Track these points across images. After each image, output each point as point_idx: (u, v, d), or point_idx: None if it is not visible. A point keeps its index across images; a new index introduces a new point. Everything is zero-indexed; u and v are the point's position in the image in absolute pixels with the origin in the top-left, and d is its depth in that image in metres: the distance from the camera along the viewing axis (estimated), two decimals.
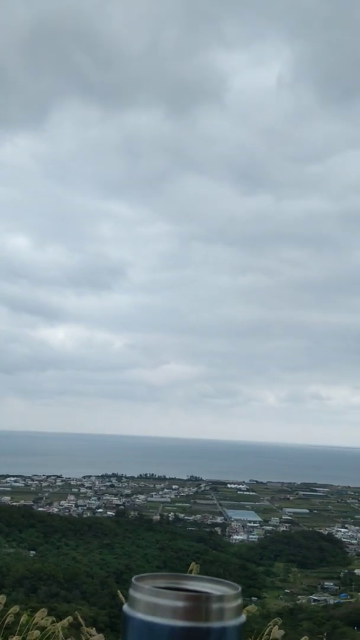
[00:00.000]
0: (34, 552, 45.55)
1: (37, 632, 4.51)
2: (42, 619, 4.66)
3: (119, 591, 5.33)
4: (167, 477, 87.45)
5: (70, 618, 4.63)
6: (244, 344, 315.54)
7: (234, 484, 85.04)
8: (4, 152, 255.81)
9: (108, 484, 78.32)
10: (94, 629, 4.68)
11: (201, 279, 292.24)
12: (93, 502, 66.77)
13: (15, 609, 4.86)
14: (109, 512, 61.58)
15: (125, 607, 0.78)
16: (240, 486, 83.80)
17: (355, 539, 58.60)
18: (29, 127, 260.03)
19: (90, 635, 4.43)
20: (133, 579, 0.79)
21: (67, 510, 61.76)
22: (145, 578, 0.80)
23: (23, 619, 4.67)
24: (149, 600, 0.76)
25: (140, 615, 0.76)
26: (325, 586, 46.12)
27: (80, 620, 4.53)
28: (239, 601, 0.78)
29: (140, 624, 0.76)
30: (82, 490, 72.97)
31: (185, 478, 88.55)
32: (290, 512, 69.88)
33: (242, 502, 74.38)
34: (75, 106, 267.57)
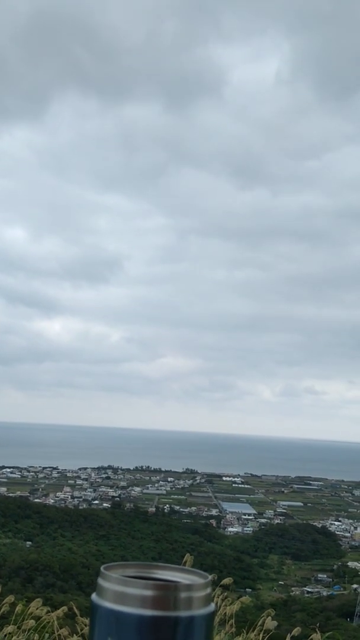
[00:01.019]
0: (30, 542, 45.75)
1: (32, 622, 4.55)
2: (37, 608, 4.69)
3: None
4: (163, 469, 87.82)
5: (65, 608, 4.67)
6: (240, 338, 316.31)
7: (229, 476, 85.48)
8: (1, 144, 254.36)
9: (104, 475, 78.61)
10: (89, 619, 4.71)
11: (197, 272, 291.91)
12: (89, 493, 67.02)
13: (10, 598, 4.89)
14: (104, 504, 61.84)
15: (93, 596, 0.77)
16: (235, 479, 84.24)
17: (349, 532, 59.10)
18: (27, 118, 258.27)
19: (86, 625, 4.47)
20: (102, 568, 0.78)
21: (63, 502, 61.98)
22: (114, 567, 0.79)
23: (18, 608, 4.70)
24: (117, 589, 0.75)
25: (108, 604, 0.75)
26: (319, 578, 46.55)
27: (76, 610, 4.56)
28: (208, 590, 0.77)
29: (108, 613, 0.75)
30: (78, 481, 73.23)
31: (180, 471, 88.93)
32: (284, 505, 70.34)
33: (237, 495, 74.83)
34: (73, 98, 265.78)
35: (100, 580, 0.77)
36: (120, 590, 0.75)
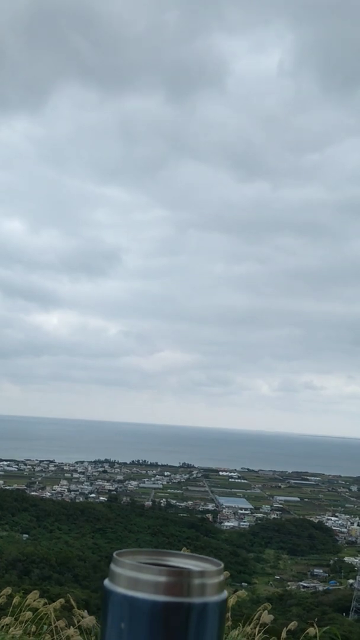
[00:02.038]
0: (26, 535, 45.87)
1: (29, 614, 4.55)
2: (34, 600, 4.69)
3: None
4: (160, 463, 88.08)
5: (62, 600, 4.66)
6: (238, 332, 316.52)
7: (226, 471, 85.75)
8: (1, 135, 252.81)
9: (101, 469, 78.81)
10: (85, 611, 4.71)
11: (196, 266, 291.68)
12: (86, 487, 67.18)
13: (7, 590, 4.88)
14: (101, 498, 62.02)
15: (106, 581, 0.77)
16: (232, 474, 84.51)
17: (345, 528, 59.36)
18: (26, 109, 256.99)
19: (82, 617, 4.47)
20: (114, 554, 0.78)
21: (59, 495, 62.12)
22: (126, 553, 0.80)
23: (15, 600, 4.70)
24: (130, 575, 0.76)
25: (121, 589, 0.76)
26: (315, 573, 46.80)
27: (73, 602, 4.56)
28: (221, 577, 0.77)
29: (121, 599, 0.75)
30: (75, 475, 73.39)
31: (177, 465, 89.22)
32: (281, 500, 70.62)
33: (233, 490, 75.10)
34: (74, 89, 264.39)
35: (112, 566, 0.78)
36: (133, 576, 0.76)
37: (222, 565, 0.80)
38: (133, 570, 0.76)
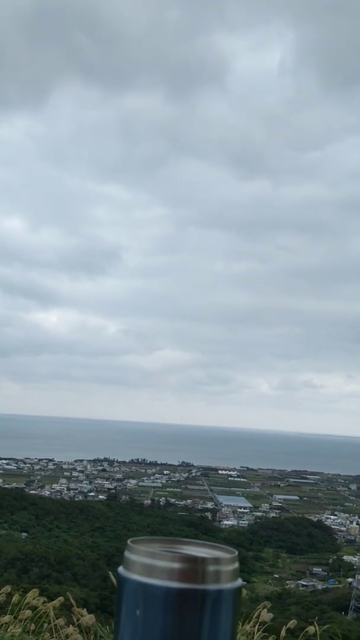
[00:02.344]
0: (25, 534, 45.90)
1: (28, 612, 4.54)
2: (33, 599, 4.69)
3: (110, 573, 5.37)
4: (159, 462, 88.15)
5: (61, 598, 4.66)
6: (238, 331, 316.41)
7: (225, 470, 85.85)
8: (1, 133, 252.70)
9: (100, 468, 78.86)
10: (85, 609, 4.71)
11: (196, 264, 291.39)
12: (85, 485, 67.24)
13: (7, 588, 4.88)
14: (100, 496, 62.07)
15: (120, 569, 0.78)
16: (231, 472, 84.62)
17: (345, 526, 59.43)
18: (28, 107, 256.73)
19: (82, 615, 4.46)
20: (129, 541, 0.79)
21: (59, 494, 62.17)
22: (140, 541, 0.80)
23: (15, 598, 4.70)
24: (145, 562, 0.76)
25: (135, 576, 0.76)
26: (314, 572, 46.87)
27: (72, 601, 4.55)
28: (236, 565, 0.78)
29: (136, 585, 0.75)
30: (74, 474, 73.44)
31: (176, 464, 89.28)
32: (280, 499, 70.70)
33: (232, 488, 75.18)
34: (75, 87, 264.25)
35: (127, 554, 0.78)
36: (148, 563, 0.76)
37: (236, 553, 0.80)
38: (148, 558, 0.76)
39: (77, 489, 65.15)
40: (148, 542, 0.81)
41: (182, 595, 0.74)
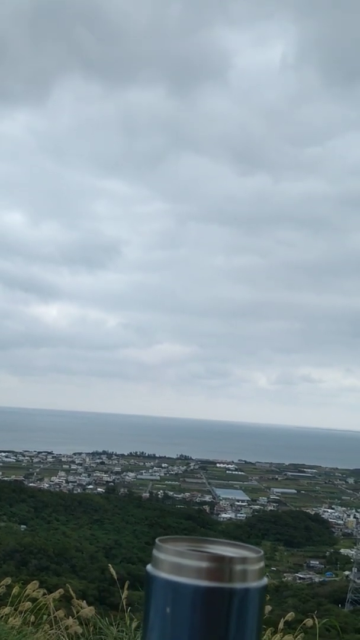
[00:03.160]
0: (24, 526, 46.11)
1: (28, 604, 4.58)
2: (33, 590, 4.72)
3: (109, 565, 5.42)
4: (157, 455, 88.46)
5: (61, 590, 4.70)
6: (237, 325, 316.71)
7: (223, 463, 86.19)
8: (2, 127, 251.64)
9: (98, 461, 79.13)
10: (84, 601, 4.75)
11: (196, 258, 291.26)
12: (83, 478, 67.50)
13: (7, 580, 4.92)
14: (99, 489, 62.32)
15: (148, 567, 0.80)
16: (229, 466, 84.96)
17: (342, 520, 59.79)
18: (29, 102, 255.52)
19: (81, 607, 4.50)
20: (157, 540, 0.80)
21: (57, 486, 62.41)
22: (167, 540, 0.82)
23: (15, 590, 4.73)
24: (173, 561, 0.77)
25: (164, 575, 0.77)
26: (311, 565, 47.20)
27: (72, 593, 4.59)
28: (262, 564, 0.80)
29: (164, 584, 0.77)
30: (73, 466, 73.70)
31: (174, 457, 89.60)
32: (278, 492, 71.06)
33: (230, 482, 75.53)
34: (76, 82, 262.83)
35: (155, 552, 0.79)
36: (176, 562, 0.77)
37: (262, 552, 0.81)
38: (176, 556, 0.78)
39: (75, 482, 65.40)
40: (175, 541, 0.83)
41: (210, 594, 0.76)
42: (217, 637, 0.76)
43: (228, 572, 0.77)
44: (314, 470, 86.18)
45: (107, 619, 4.39)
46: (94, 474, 70.18)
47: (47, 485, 62.65)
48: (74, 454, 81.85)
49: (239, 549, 0.83)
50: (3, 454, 77.88)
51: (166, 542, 0.81)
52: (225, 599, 0.76)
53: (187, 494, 65.74)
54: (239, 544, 0.84)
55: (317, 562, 47.61)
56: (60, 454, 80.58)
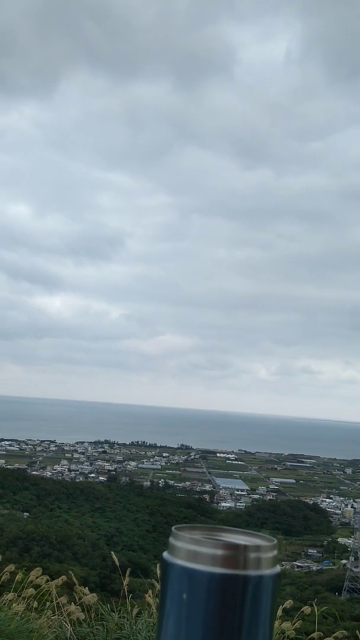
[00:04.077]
0: (27, 513, 46.57)
1: (31, 590, 4.73)
2: (37, 577, 4.88)
3: (112, 553, 5.55)
4: (158, 445, 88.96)
5: (64, 577, 4.85)
6: (238, 317, 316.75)
7: (223, 453, 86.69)
8: (9, 119, 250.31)
9: (100, 450, 79.64)
10: (86, 588, 4.90)
11: (198, 251, 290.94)
12: (86, 467, 68.02)
13: (11, 567, 5.07)
14: (101, 477, 62.82)
15: (165, 554, 0.81)
16: (229, 455, 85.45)
17: (339, 509, 60.27)
18: (36, 95, 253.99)
19: (83, 594, 4.65)
20: (173, 529, 0.82)
21: (60, 475, 62.93)
22: (183, 528, 0.83)
23: (18, 577, 4.88)
24: (189, 548, 0.79)
25: (180, 562, 0.79)
26: (309, 553, 47.69)
27: (75, 579, 4.74)
28: (275, 552, 0.81)
29: (180, 570, 0.79)
30: (75, 455, 74.21)
31: (175, 446, 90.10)
32: (277, 482, 71.54)
33: (230, 471, 76.02)
34: (83, 76, 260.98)
35: (172, 540, 0.81)
36: (192, 549, 0.79)
37: (276, 541, 0.83)
38: (192, 544, 0.79)
39: (78, 470, 65.91)
40: (191, 529, 0.84)
41: (225, 580, 0.77)
42: (232, 623, 0.77)
43: (242, 560, 0.78)
44: (313, 461, 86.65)
45: (108, 605, 4.50)
46: (96, 463, 70.71)
47: (49, 473, 63.17)
48: (77, 442, 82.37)
49: (253, 537, 0.85)
50: (7, 443, 78.43)
51: (182, 530, 0.82)
52: (240, 585, 0.77)
53: (188, 483, 66.24)
54: (253, 533, 0.85)
55: (315, 551, 48.10)
56: (62, 443, 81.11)
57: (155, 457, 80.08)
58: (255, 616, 0.78)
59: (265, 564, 0.79)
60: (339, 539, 50.32)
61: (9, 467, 61.90)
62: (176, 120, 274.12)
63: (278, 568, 0.81)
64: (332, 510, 60.07)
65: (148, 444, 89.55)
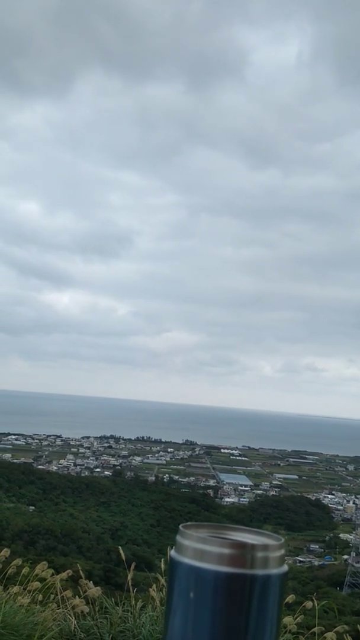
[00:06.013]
0: (33, 507, 47.00)
1: (37, 584, 4.90)
2: (42, 571, 5.04)
3: (119, 547, 5.65)
4: (163, 440, 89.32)
5: (69, 571, 5.01)
6: (243, 315, 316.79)
7: (228, 449, 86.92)
8: (22, 118, 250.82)
9: (106, 444, 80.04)
10: (91, 582, 5.06)
11: (205, 249, 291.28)
12: (91, 461, 68.42)
13: (18, 561, 5.23)
14: (106, 472, 63.22)
15: (172, 552, 0.81)
16: (233, 451, 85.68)
17: (341, 505, 60.40)
18: (51, 95, 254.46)
19: (88, 587, 4.81)
20: (180, 527, 0.81)
21: (66, 469, 63.35)
22: (190, 527, 0.83)
23: (24, 570, 5.05)
24: (197, 547, 0.78)
25: (187, 560, 0.78)
26: (311, 549, 47.91)
27: (81, 573, 4.89)
28: (282, 551, 0.80)
29: (187, 569, 0.78)
30: (81, 450, 74.63)
31: (180, 442, 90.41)
32: (280, 478, 71.71)
33: (234, 467, 76.25)
34: (96, 76, 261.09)
35: (179, 538, 0.80)
36: (199, 548, 0.78)
37: (283, 540, 0.82)
38: (199, 543, 0.78)
39: (83, 465, 66.33)
40: (198, 527, 0.83)
41: (232, 579, 0.76)
42: (239, 623, 0.76)
43: (250, 559, 0.77)
44: (316, 457, 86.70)
45: (112, 599, 4.60)
46: (102, 458, 71.09)
47: (55, 467, 63.60)
48: (82, 437, 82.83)
49: (261, 536, 0.84)
50: (13, 437, 79.00)
51: (189, 529, 0.82)
52: (247, 585, 0.76)
53: (192, 478, 66.53)
54: (260, 531, 0.85)
55: (317, 546, 48.30)
56: (68, 438, 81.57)
57: (160, 452, 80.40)
58: (262, 616, 0.77)
59: (273, 563, 0.78)
60: (341, 535, 50.51)
61: (15, 461, 62.40)
62: (186, 121, 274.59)
63: (285, 567, 0.80)
64: (334, 506, 60.21)
65: (153, 439, 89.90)
